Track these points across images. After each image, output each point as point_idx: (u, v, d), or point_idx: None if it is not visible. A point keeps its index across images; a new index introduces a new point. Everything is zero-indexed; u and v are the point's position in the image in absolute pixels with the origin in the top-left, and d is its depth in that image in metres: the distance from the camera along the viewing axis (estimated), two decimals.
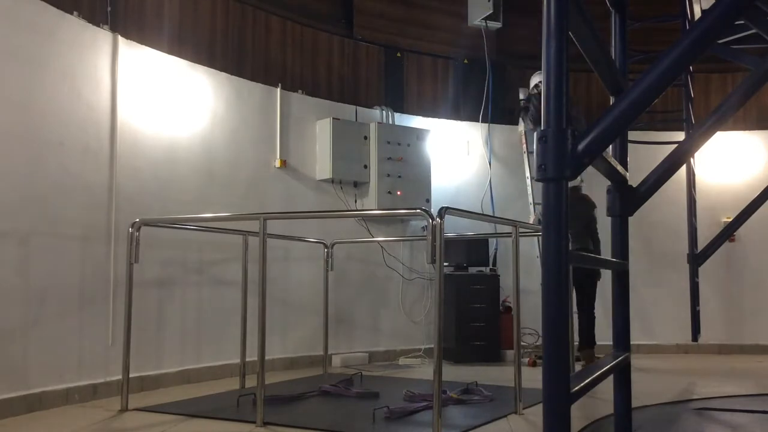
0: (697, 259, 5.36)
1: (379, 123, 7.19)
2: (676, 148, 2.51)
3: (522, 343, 6.72)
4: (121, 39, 5.20)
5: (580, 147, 1.61)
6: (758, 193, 4.67)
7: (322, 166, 6.85)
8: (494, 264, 7.50)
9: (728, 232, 5.32)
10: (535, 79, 7.44)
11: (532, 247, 7.13)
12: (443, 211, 3.76)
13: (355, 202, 7.05)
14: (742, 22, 3.33)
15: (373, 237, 7.04)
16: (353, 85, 7.45)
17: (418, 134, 7.40)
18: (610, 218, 2.36)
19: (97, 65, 5.03)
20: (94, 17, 5.09)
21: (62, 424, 4.10)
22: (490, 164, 7.74)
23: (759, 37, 3.41)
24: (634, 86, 1.73)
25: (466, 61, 8.10)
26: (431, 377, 3.67)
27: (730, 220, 5.46)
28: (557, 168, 1.55)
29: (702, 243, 5.51)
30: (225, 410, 4.41)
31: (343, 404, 4.74)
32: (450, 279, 6.97)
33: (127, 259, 4.65)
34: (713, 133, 2.61)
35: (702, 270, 5.68)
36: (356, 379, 5.55)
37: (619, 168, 2.18)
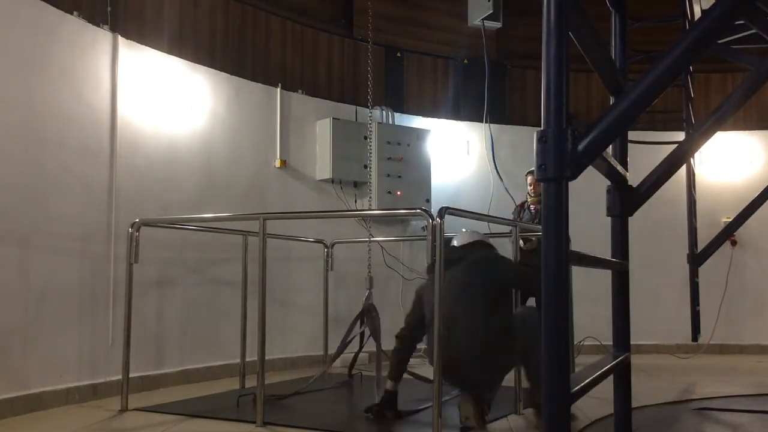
0: (697, 259, 5.36)
1: (379, 123, 7.18)
2: (676, 148, 2.51)
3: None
4: (121, 39, 5.20)
5: (580, 147, 1.61)
6: (758, 193, 4.67)
7: (322, 166, 6.85)
8: None
9: (728, 232, 5.31)
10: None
11: None
12: (443, 211, 3.76)
13: (355, 202, 7.04)
14: (742, 22, 3.34)
15: (373, 237, 7.03)
16: (353, 85, 7.45)
17: (418, 134, 7.39)
18: (610, 218, 2.37)
19: (97, 65, 5.03)
20: (94, 17, 5.09)
21: (62, 424, 4.10)
22: (494, 165, 7.71)
23: (759, 37, 3.41)
24: (634, 86, 1.73)
25: (466, 61, 8.10)
26: (431, 377, 3.67)
27: (730, 220, 5.45)
28: (557, 168, 1.55)
29: (702, 243, 5.50)
30: (225, 410, 4.41)
31: (343, 404, 4.73)
32: None
33: (126, 259, 4.65)
34: (713, 133, 2.61)
35: (702, 270, 5.68)
36: (356, 378, 5.54)
37: (619, 168, 2.18)
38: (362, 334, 5.34)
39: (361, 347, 5.55)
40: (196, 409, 4.45)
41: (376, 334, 4.89)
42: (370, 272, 5.25)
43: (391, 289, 7.27)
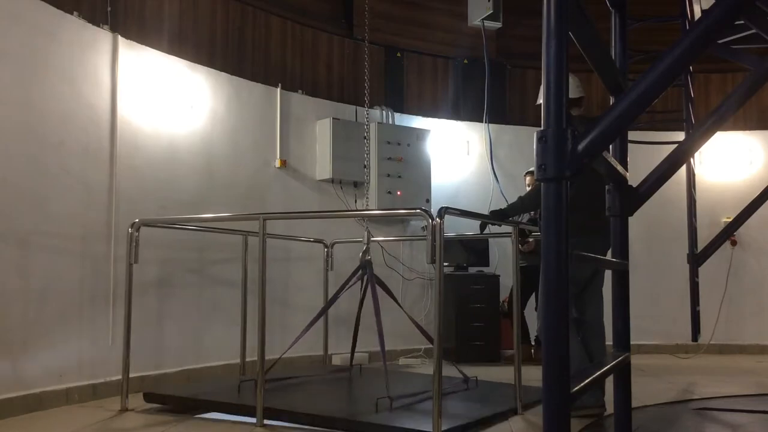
0: (697, 259, 5.36)
1: (379, 123, 7.18)
2: (676, 148, 2.51)
3: None
4: (121, 39, 5.20)
5: (580, 147, 1.61)
6: (758, 193, 4.67)
7: (322, 166, 6.85)
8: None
9: (728, 232, 5.32)
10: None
11: None
12: (443, 211, 3.76)
13: (355, 202, 7.04)
14: (742, 22, 3.34)
15: (373, 237, 7.02)
16: (353, 85, 7.45)
17: (418, 134, 7.39)
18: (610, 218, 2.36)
19: (97, 65, 5.03)
20: (94, 17, 5.09)
21: (62, 424, 4.10)
22: (492, 165, 7.72)
23: (759, 37, 3.41)
24: (634, 86, 1.73)
25: (465, 61, 8.09)
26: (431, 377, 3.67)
27: (730, 220, 5.46)
28: (557, 168, 1.55)
29: (702, 243, 5.51)
30: (226, 395, 4.41)
31: (345, 393, 4.73)
32: (450, 279, 6.97)
33: (126, 259, 4.65)
34: (713, 133, 2.60)
35: (702, 270, 5.68)
36: (356, 371, 5.54)
37: (619, 168, 2.18)
38: (363, 286, 5.29)
39: (361, 305, 5.49)
40: (198, 399, 4.43)
41: (374, 287, 4.90)
42: (367, 227, 5.24)
43: (391, 289, 7.25)
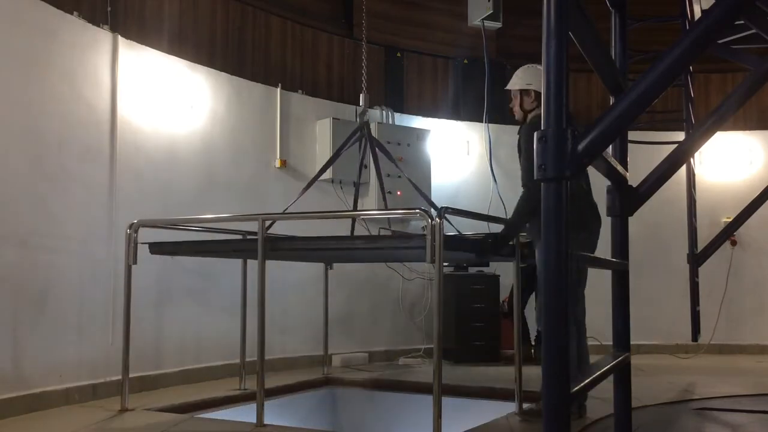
0: (697, 259, 5.36)
1: (379, 123, 7.18)
2: (676, 148, 2.51)
3: None
4: (121, 39, 5.20)
5: (580, 147, 1.61)
6: (758, 193, 4.68)
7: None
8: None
9: (728, 232, 5.32)
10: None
11: None
12: (443, 211, 3.76)
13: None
14: (742, 22, 3.34)
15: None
16: (353, 85, 7.44)
17: (418, 134, 7.39)
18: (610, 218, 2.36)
19: (97, 65, 5.03)
20: (94, 17, 5.09)
21: (62, 424, 4.10)
22: (491, 165, 7.72)
23: (759, 37, 3.41)
24: (634, 86, 1.73)
25: (465, 61, 8.09)
26: (431, 377, 3.67)
27: (730, 220, 5.46)
28: (557, 168, 1.55)
29: (702, 243, 5.50)
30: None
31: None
32: (450, 279, 6.96)
33: (125, 260, 4.64)
34: (713, 133, 2.60)
35: (702, 270, 5.68)
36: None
37: (619, 168, 2.18)
38: (362, 148, 5.25)
39: (360, 167, 5.49)
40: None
41: (373, 147, 4.88)
42: (365, 89, 5.23)
43: (391, 289, 7.27)
